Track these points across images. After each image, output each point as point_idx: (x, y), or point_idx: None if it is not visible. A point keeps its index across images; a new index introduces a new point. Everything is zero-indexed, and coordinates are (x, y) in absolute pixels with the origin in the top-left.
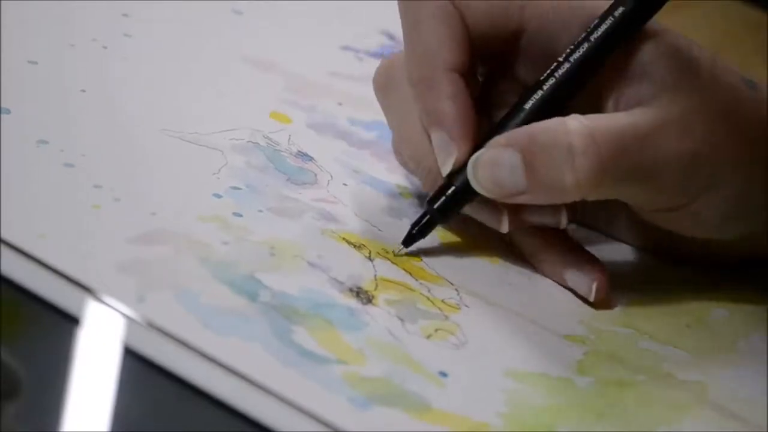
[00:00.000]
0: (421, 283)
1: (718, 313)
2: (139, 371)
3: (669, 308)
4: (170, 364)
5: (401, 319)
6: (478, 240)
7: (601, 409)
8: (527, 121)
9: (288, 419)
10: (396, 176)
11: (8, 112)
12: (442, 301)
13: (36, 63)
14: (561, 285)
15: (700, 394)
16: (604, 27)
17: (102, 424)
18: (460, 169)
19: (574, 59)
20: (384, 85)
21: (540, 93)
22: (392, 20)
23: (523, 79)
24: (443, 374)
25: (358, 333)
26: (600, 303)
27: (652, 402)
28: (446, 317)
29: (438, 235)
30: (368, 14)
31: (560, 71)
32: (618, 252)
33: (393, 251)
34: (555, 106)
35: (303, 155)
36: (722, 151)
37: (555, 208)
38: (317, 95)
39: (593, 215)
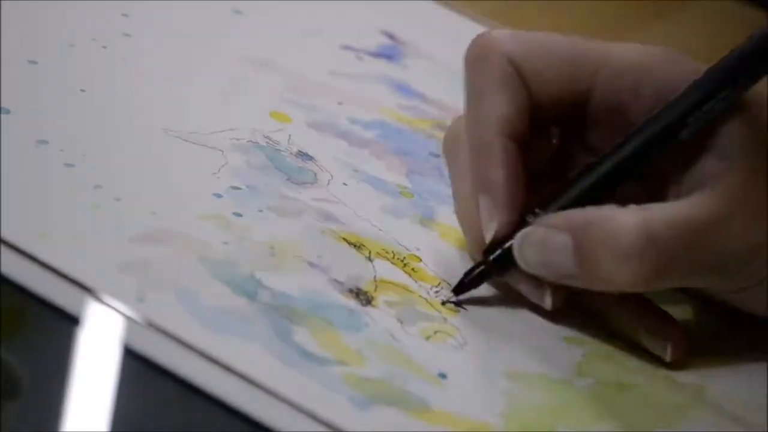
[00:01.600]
0: (420, 285)
1: (717, 313)
2: (139, 371)
3: (667, 309)
4: (170, 364)
5: (400, 321)
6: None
7: (601, 411)
8: (581, 198)
9: (288, 419)
10: (396, 176)
11: (8, 112)
12: (441, 303)
13: (36, 63)
14: (636, 344)
15: (699, 395)
16: (677, 108)
17: (102, 424)
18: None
19: (637, 141)
20: (450, 148)
21: (598, 172)
22: (392, 20)
23: (593, 145)
24: (443, 375)
25: (358, 334)
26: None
27: (651, 403)
28: (445, 319)
29: (439, 234)
30: (368, 14)
31: (622, 151)
32: None
33: (442, 300)
34: (613, 185)
35: (303, 155)
36: None
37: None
38: (317, 95)
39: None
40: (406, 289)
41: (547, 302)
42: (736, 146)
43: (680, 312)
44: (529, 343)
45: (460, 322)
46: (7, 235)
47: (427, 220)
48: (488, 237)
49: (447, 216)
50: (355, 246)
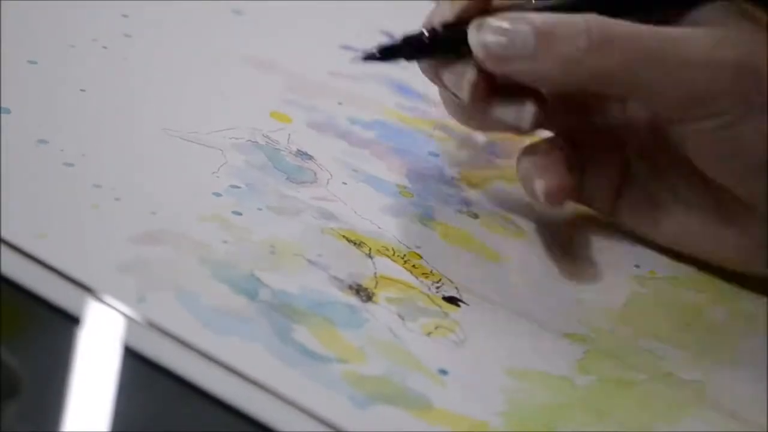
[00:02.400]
0: (421, 281)
1: (719, 312)
2: (139, 371)
3: (669, 308)
4: (170, 363)
5: (401, 317)
6: (478, 238)
7: (602, 408)
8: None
9: (288, 419)
10: (396, 175)
11: (8, 111)
12: (442, 298)
13: (36, 63)
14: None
15: (700, 393)
16: None
17: (102, 424)
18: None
19: None
20: None
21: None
22: (392, 20)
23: None
24: (443, 372)
25: (359, 331)
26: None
27: (652, 401)
28: (446, 315)
29: (439, 233)
30: (368, 14)
31: None
32: (617, 249)
33: (352, 59)
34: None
35: (303, 154)
36: (756, 71)
37: (520, 107)
38: (317, 95)
39: (639, 214)
40: (406, 285)
41: (465, 92)
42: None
43: (687, 310)
44: (530, 340)
45: (460, 317)
46: (7, 235)
47: (427, 219)
48: (436, 20)
49: (447, 215)
50: (355, 244)
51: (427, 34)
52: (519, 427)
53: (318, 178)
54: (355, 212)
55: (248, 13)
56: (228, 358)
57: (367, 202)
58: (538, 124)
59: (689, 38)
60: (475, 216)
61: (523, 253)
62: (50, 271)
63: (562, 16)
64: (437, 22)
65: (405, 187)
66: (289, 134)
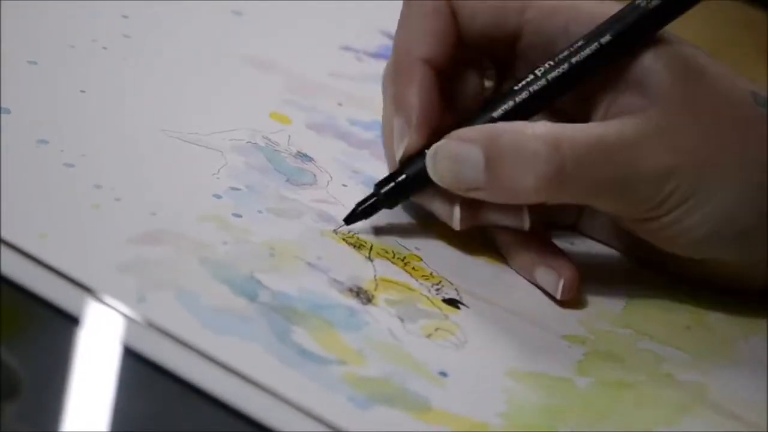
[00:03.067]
0: (421, 283)
1: (718, 313)
2: (139, 371)
3: (668, 309)
4: (170, 364)
5: (401, 319)
6: (478, 240)
7: (601, 410)
8: (495, 120)
9: (288, 419)
10: None
11: (8, 112)
12: (442, 300)
13: (36, 63)
14: (532, 283)
15: (700, 394)
16: (596, 43)
17: (102, 424)
18: (415, 157)
19: (553, 68)
20: (386, 76)
21: (514, 97)
22: (392, 20)
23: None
24: (443, 374)
25: (358, 333)
26: (568, 302)
27: (652, 402)
28: (446, 317)
29: (438, 235)
30: (368, 14)
31: (540, 77)
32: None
33: (334, 229)
34: (528, 110)
35: (302, 156)
36: (709, 167)
37: (516, 210)
38: (317, 95)
39: (583, 222)
40: (406, 287)
41: (456, 222)
42: (656, 82)
43: (686, 311)
44: (530, 342)
45: (461, 319)
46: (7, 235)
47: (426, 221)
48: (397, 156)
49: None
50: (354, 246)
51: (393, 183)
52: (519, 428)
53: (318, 180)
54: None
55: (248, 13)
56: (227, 358)
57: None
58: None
59: (639, 146)
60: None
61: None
62: (50, 271)
63: (512, 140)
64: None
65: None
66: (289, 135)
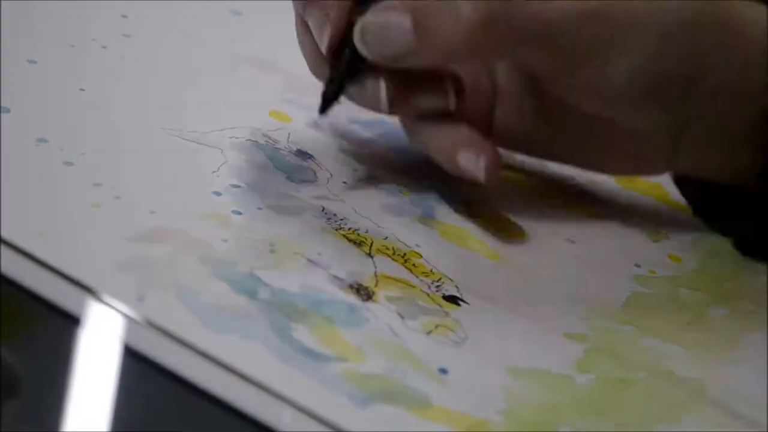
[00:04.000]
0: (421, 280)
1: (719, 310)
2: (139, 371)
3: (669, 305)
4: (170, 363)
5: (401, 316)
6: (478, 237)
7: (602, 407)
8: None
9: (288, 418)
10: (395, 174)
11: (8, 111)
12: (443, 297)
13: (36, 63)
14: (455, 173)
15: (701, 391)
16: None
17: (102, 424)
18: (342, 45)
19: None
20: None
21: None
22: None
23: None
24: (443, 371)
25: (358, 330)
26: (491, 183)
27: (653, 399)
28: (446, 314)
29: (439, 232)
30: None
31: None
32: (617, 249)
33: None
34: None
35: (302, 153)
36: (625, 16)
37: (441, 91)
38: (317, 94)
39: (550, 144)
40: (407, 283)
41: (383, 96)
42: None
43: (687, 307)
44: (530, 339)
45: (461, 316)
46: (7, 235)
47: (426, 218)
48: (323, 45)
49: (447, 214)
50: (355, 243)
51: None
52: (519, 425)
53: (318, 178)
54: (355, 211)
55: (247, 13)
56: (228, 357)
57: (367, 201)
58: (495, 178)
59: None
60: (476, 215)
61: (523, 253)
62: (50, 270)
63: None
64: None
65: (405, 186)
66: (289, 133)
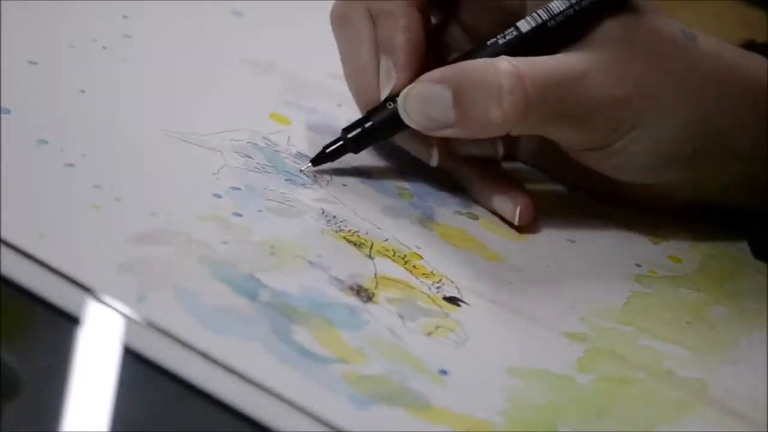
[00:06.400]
0: (421, 281)
1: (719, 310)
2: (139, 371)
3: (669, 305)
4: (170, 364)
5: (402, 317)
6: (478, 238)
7: (602, 407)
8: None
9: (288, 419)
10: (395, 177)
11: (8, 112)
12: (443, 298)
13: (36, 63)
14: (491, 212)
15: (701, 391)
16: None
17: (102, 424)
18: (384, 104)
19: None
20: (341, 17)
21: (491, 49)
22: None
23: (468, 26)
24: (443, 372)
25: (359, 332)
26: (524, 227)
27: (653, 399)
28: (447, 315)
29: (439, 234)
30: None
31: (517, 31)
32: (617, 249)
33: (301, 169)
34: None
35: (302, 156)
36: (652, 96)
37: (490, 139)
38: (317, 97)
39: (534, 155)
40: (407, 285)
41: (434, 159)
42: (611, 33)
43: (687, 307)
44: (531, 340)
45: (461, 317)
46: (7, 235)
47: (426, 220)
48: (384, 95)
49: (446, 216)
50: (355, 245)
51: (359, 129)
52: (520, 425)
53: (318, 180)
54: (355, 213)
55: (248, 14)
56: (228, 358)
57: (367, 203)
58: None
59: (586, 77)
60: (475, 217)
61: (523, 254)
62: (50, 271)
63: (477, 75)
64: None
65: (405, 188)
66: (289, 136)
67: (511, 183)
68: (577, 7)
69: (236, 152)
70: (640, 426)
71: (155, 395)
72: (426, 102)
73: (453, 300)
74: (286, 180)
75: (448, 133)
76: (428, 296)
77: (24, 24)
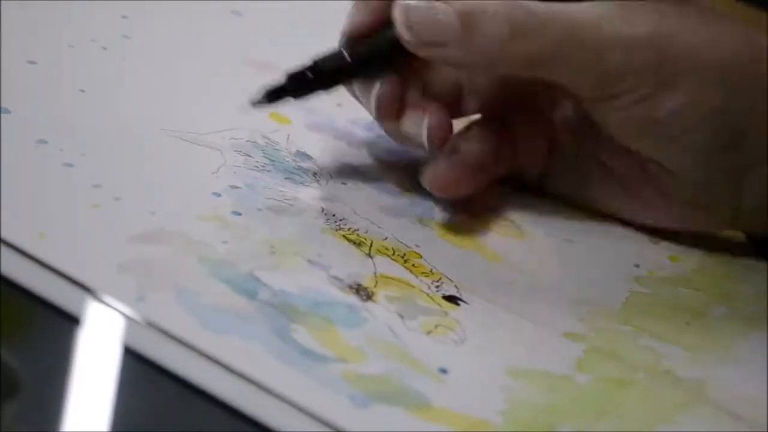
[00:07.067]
0: (421, 280)
1: (718, 310)
2: (139, 371)
3: (668, 305)
4: (170, 364)
5: (401, 316)
6: (478, 238)
7: (601, 407)
8: None
9: (288, 419)
10: (395, 175)
11: (8, 112)
12: (442, 297)
13: (36, 63)
14: (403, 144)
15: (700, 391)
16: None
17: (102, 424)
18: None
19: None
20: None
21: None
22: None
23: None
24: (443, 371)
25: (358, 330)
26: (436, 149)
27: (652, 399)
28: (446, 314)
29: (438, 233)
30: None
31: None
32: (616, 249)
33: (250, 101)
34: None
35: (302, 155)
36: (678, 46)
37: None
38: (316, 96)
39: (565, 181)
40: (406, 284)
41: (373, 107)
42: None
43: (686, 307)
44: (530, 339)
45: (461, 316)
46: (7, 235)
47: (426, 219)
48: (347, 27)
49: (446, 215)
50: (354, 243)
51: (309, 72)
52: (519, 425)
53: (317, 179)
54: (355, 212)
55: (247, 14)
56: (227, 357)
57: (367, 201)
58: (441, 141)
59: (603, 17)
60: (475, 216)
61: (523, 253)
62: (50, 271)
63: (482, 3)
64: (355, 26)
65: (404, 187)
66: (288, 135)
67: (420, 96)
68: None
69: (236, 151)
70: (639, 426)
71: (155, 395)
72: (430, 12)
73: (452, 299)
74: (285, 178)
75: (445, 53)
76: (428, 295)
77: (24, 24)
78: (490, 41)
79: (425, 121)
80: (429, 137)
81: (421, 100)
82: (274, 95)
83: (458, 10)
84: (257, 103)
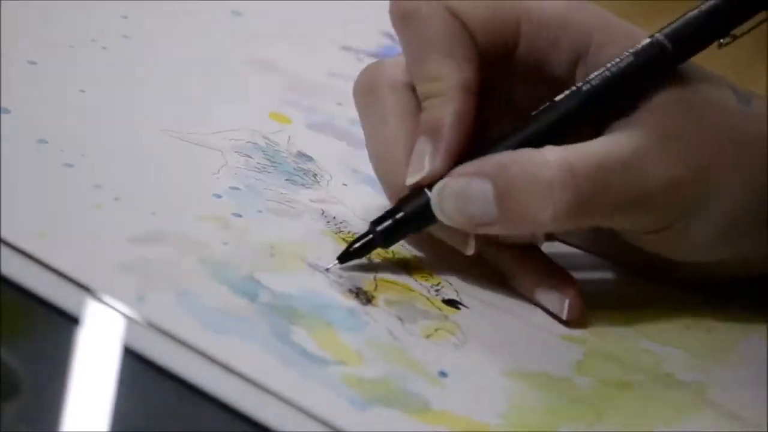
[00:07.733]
0: (420, 284)
1: (718, 313)
2: (139, 371)
3: (668, 308)
4: (170, 364)
5: (401, 319)
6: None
7: (601, 410)
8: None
9: (288, 419)
10: None
11: (8, 112)
12: (442, 301)
13: (36, 63)
14: (534, 304)
15: (700, 394)
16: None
17: (102, 424)
18: (411, 195)
19: (563, 106)
20: (366, 90)
21: (524, 132)
22: None
23: (517, 103)
24: (443, 374)
25: (358, 333)
26: (574, 322)
27: (652, 402)
28: (446, 317)
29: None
30: (368, 14)
31: (547, 115)
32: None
33: (326, 268)
34: (543, 141)
35: (302, 156)
36: (708, 174)
37: None
38: (317, 96)
39: (579, 236)
40: (406, 288)
41: (470, 248)
42: (649, 94)
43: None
44: (529, 342)
45: (460, 320)
46: (7, 235)
47: None
48: (411, 180)
49: None
50: None
51: (390, 221)
52: (519, 428)
53: (318, 180)
54: (355, 214)
55: (247, 14)
56: (227, 358)
57: (367, 203)
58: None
59: (637, 161)
60: None
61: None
62: (50, 271)
63: (523, 169)
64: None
65: None
66: (289, 136)
67: (556, 271)
68: (621, 77)
69: (236, 152)
70: (639, 428)
71: (155, 395)
72: (464, 198)
73: (452, 303)
74: (286, 180)
75: (489, 230)
76: (427, 299)
77: (24, 24)
78: (532, 223)
79: (566, 304)
80: (569, 315)
81: (550, 268)
82: (365, 249)
83: (495, 187)
84: (345, 258)
